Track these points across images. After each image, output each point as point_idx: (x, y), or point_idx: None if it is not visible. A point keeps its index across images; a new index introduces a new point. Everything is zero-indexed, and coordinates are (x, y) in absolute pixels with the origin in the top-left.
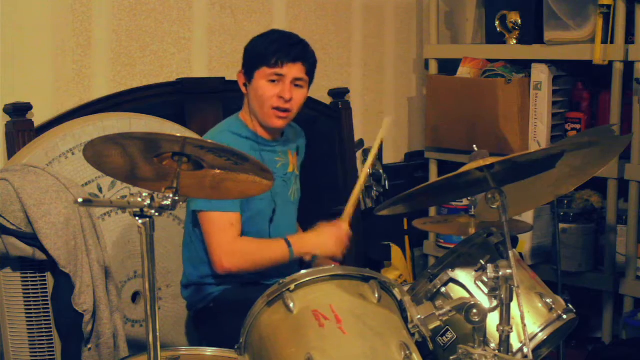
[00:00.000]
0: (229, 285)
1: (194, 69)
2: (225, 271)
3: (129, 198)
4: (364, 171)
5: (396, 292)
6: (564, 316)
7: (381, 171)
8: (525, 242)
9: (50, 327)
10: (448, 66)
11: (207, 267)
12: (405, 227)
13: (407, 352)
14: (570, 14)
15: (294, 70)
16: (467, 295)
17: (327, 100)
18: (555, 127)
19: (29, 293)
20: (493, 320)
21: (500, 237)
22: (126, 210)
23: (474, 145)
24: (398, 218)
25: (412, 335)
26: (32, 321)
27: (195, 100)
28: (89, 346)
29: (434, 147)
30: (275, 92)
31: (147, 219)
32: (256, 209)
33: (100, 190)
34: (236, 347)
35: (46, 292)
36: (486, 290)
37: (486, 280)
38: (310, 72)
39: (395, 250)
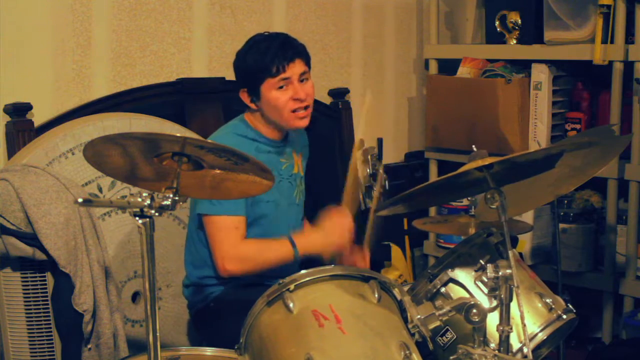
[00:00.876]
0: (229, 285)
1: (194, 69)
2: (229, 274)
3: (129, 198)
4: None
5: (396, 292)
6: (564, 316)
7: (381, 171)
8: (525, 242)
9: (50, 327)
10: (448, 66)
11: (209, 269)
12: (405, 227)
13: (407, 352)
14: (570, 14)
15: (296, 68)
16: (467, 295)
17: (327, 100)
18: (555, 127)
19: (29, 293)
20: (493, 320)
21: (500, 237)
22: (126, 210)
23: (473, 145)
24: (398, 218)
25: (412, 335)
26: (32, 321)
27: (195, 100)
28: (89, 346)
29: (434, 147)
30: (288, 96)
31: (147, 219)
32: (261, 212)
33: (100, 190)
34: (236, 347)
35: (46, 292)
36: (486, 290)
37: (486, 280)
38: (308, 62)
39: (395, 250)
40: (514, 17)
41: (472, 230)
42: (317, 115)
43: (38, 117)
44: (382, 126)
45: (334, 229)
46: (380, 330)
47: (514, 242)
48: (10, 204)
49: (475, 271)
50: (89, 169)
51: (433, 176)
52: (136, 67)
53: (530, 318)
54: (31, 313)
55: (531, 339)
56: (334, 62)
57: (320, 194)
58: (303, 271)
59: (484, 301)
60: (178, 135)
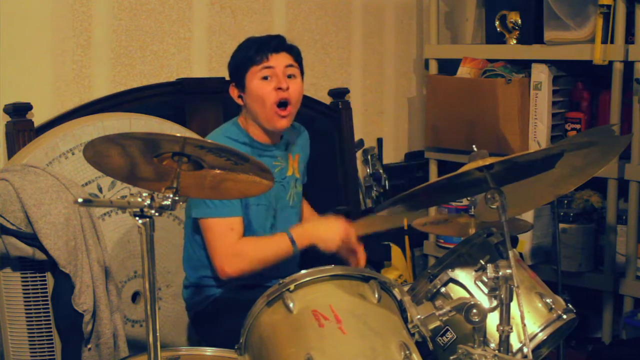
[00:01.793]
0: (227, 287)
1: (194, 69)
2: (228, 276)
3: (129, 198)
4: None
5: (396, 292)
6: (564, 316)
7: (381, 171)
8: (525, 242)
9: (50, 327)
10: (448, 66)
11: (206, 269)
12: (405, 227)
13: (407, 352)
14: (570, 14)
15: (281, 59)
16: (467, 295)
17: (327, 100)
18: (555, 127)
19: (29, 293)
20: (493, 320)
21: (500, 237)
22: (126, 210)
23: (473, 145)
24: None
25: (412, 335)
26: (32, 321)
27: (195, 100)
28: (89, 346)
29: (434, 147)
30: (271, 87)
31: (147, 219)
32: (251, 216)
33: (100, 190)
34: (236, 347)
35: (46, 292)
36: (486, 290)
37: (486, 280)
38: (298, 60)
39: (395, 250)
40: (514, 17)
41: (472, 230)
42: (317, 115)
43: (38, 117)
44: (382, 126)
45: (334, 227)
46: (380, 330)
47: (514, 242)
48: (10, 204)
49: (476, 271)
50: (89, 169)
51: (433, 176)
52: (136, 67)
53: (530, 318)
54: (31, 313)
55: (531, 339)
56: (334, 62)
57: (320, 194)
58: (303, 271)
59: (484, 301)
60: (178, 135)
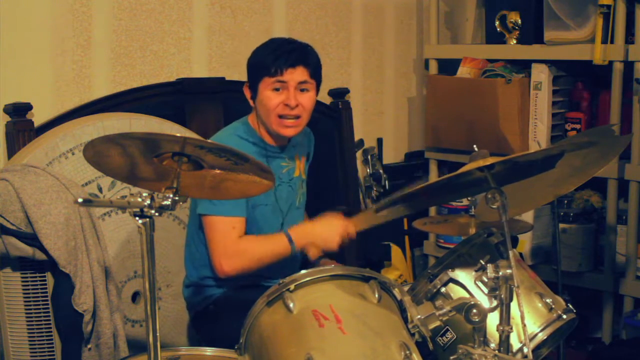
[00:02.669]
0: (228, 287)
1: (194, 69)
2: (226, 275)
3: (129, 198)
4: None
5: (396, 292)
6: (564, 316)
7: (381, 171)
8: (525, 242)
9: (50, 327)
10: (448, 66)
11: (208, 269)
12: (405, 227)
13: (407, 352)
14: (570, 14)
15: (296, 75)
16: (467, 295)
17: (327, 100)
18: (555, 127)
19: (29, 293)
20: (493, 320)
21: (500, 237)
22: (126, 210)
23: (474, 145)
24: (398, 218)
25: (412, 335)
26: (32, 321)
27: (195, 100)
28: (89, 346)
29: (434, 147)
30: (280, 100)
31: (147, 219)
32: (258, 216)
33: (100, 190)
34: (236, 347)
35: (46, 292)
36: (486, 290)
37: (486, 280)
38: (315, 75)
39: (395, 250)
40: (514, 17)
41: (472, 230)
42: (317, 115)
43: (38, 117)
44: (382, 126)
45: (333, 225)
46: (380, 330)
47: (514, 242)
48: (10, 204)
49: (476, 271)
50: (89, 169)
51: (433, 176)
52: (136, 67)
53: (531, 318)
54: (31, 313)
55: (531, 339)
56: (334, 62)
57: (320, 193)
58: (303, 271)
59: (484, 301)
60: (178, 135)
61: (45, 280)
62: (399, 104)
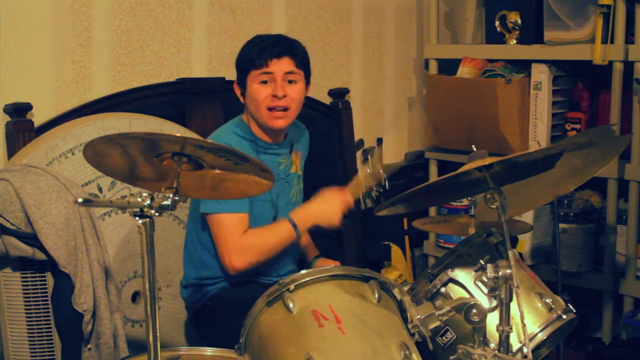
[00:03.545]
0: (226, 283)
1: (194, 69)
2: (237, 271)
3: (129, 198)
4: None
5: (396, 292)
6: (564, 316)
7: (381, 171)
8: (525, 242)
9: (50, 327)
10: (448, 66)
11: (207, 270)
12: (405, 227)
13: (407, 352)
14: (570, 14)
15: (282, 65)
16: (466, 295)
17: (327, 100)
18: (555, 127)
19: (29, 293)
20: (493, 320)
21: (499, 237)
22: (126, 210)
23: (473, 146)
24: (398, 218)
25: (412, 335)
26: (32, 321)
27: (195, 100)
28: (89, 346)
29: (434, 147)
30: (267, 92)
31: (147, 219)
32: (258, 211)
33: (100, 190)
34: (236, 347)
35: (46, 292)
36: (486, 290)
37: (486, 280)
38: (302, 65)
39: (395, 250)
40: (514, 17)
41: (472, 230)
42: (317, 115)
43: (38, 117)
44: (382, 126)
45: (330, 198)
46: (380, 330)
47: (514, 242)
48: (10, 204)
49: (475, 271)
50: (89, 169)
51: (433, 176)
52: (136, 67)
53: (530, 318)
54: (31, 313)
55: (531, 339)
56: (334, 62)
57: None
58: (303, 271)
59: (484, 301)
60: (178, 135)
61: (45, 280)
62: (399, 104)
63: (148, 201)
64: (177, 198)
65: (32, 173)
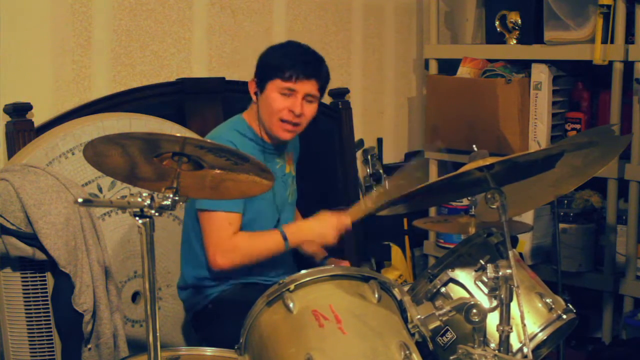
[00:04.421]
0: (227, 285)
1: (194, 69)
2: (219, 268)
3: (129, 198)
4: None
5: (396, 292)
6: (564, 316)
7: (381, 171)
8: (525, 242)
9: (50, 327)
10: (448, 66)
11: (206, 269)
12: (405, 227)
13: (407, 352)
14: (570, 14)
15: (307, 86)
16: (467, 295)
17: (327, 100)
18: (555, 127)
19: (29, 293)
20: (493, 320)
21: (500, 237)
22: (126, 210)
23: (474, 145)
24: (398, 218)
25: (412, 335)
26: (32, 321)
27: (195, 100)
28: (89, 346)
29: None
30: (286, 105)
31: (147, 219)
32: (256, 210)
33: (100, 190)
34: (236, 347)
35: (46, 292)
36: (486, 290)
37: (486, 280)
38: (322, 89)
39: (395, 250)
40: (514, 17)
41: (472, 230)
42: (317, 115)
43: (38, 117)
44: (382, 126)
45: (326, 221)
46: (380, 330)
47: (514, 242)
48: (10, 204)
49: (475, 271)
50: (89, 169)
51: (433, 176)
52: (136, 67)
53: (530, 318)
54: (31, 313)
55: (531, 339)
56: (334, 62)
57: (320, 193)
58: (303, 271)
59: (484, 301)
60: (178, 135)
61: (45, 280)
62: (399, 104)
63: (148, 201)
64: (177, 198)
65: (32, 173)
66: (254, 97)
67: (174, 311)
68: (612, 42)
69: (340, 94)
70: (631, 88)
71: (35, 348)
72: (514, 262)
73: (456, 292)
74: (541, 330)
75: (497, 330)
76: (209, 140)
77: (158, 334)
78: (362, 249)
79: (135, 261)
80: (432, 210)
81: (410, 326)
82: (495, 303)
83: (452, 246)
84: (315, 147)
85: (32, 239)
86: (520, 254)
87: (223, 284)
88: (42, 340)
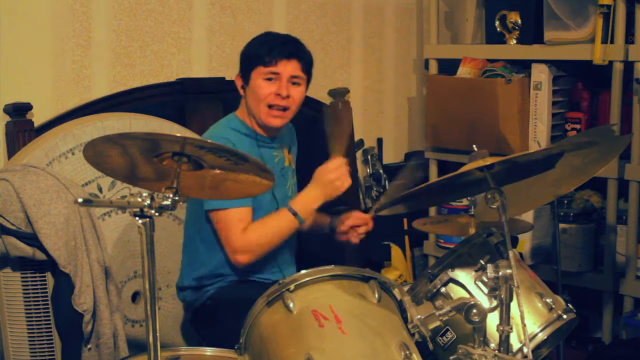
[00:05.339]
0: (225, 282)
1: (194, 69)
2: (242, 264)
3: (129, 198)
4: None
5: (396, 292)
6: (564, 316)
7: (381, 171)
8: (525, 242)
9: (50, 327)
10: (448, 66)
11: (205, 269)
12: (405, 227)
13: (407, 352)
14: (570, 14)
15: (289, 67)
16: (467, 295)
17: (327, 100)
18: (555, 127)
19: (29, 293)
20: (493, 320)
21: (500, 237)
22: (126, 210)
23: (474, 145)
24: (398, 218)
25: (412, 335)
26: (32, 321)
27: (195, 100)
28: (89, 346)
29: (434, 147)
30: (271, 90)
31: (147, 219)
32: (258, 202)
33: (100, 190)
34: (236, 347)
35: (46, 292)
36: (486, 290)
37: (486, 280)
38: (307, 70)
39: (395, 250)
40: (514, 17)
41: (472, 230)
42: (318, 115)
43: (38, 117)
44: (382, 126)
45: (330, 176)
46: (380, 330)
47: (514, 242)
48: (10, 204)
49: (476, 271)
50: (89, 169)
51: (433, 176)
52: (136, 67)
53: (531, 318)
54: (31, 313)
55: (531, 339)
56: (334, 62)
57: None
58: (303, 271)
59: (484, 301)
60: (178, 135)
61: (45, 280)
62: (399, 104)
63: (148, 201)
64: (177, 198)
65: (32, 173)
66: (241, 92)
67: (174, 311)
68: (612, 42)
69: (340, 94)
70: (631, 88)
71: (35, 348)
72: (514, 262)
73: (456, 292)
74: (541, 330)
75: (497, 330)
76: (209, 141)
77: (158, 334)
78: (362, 249)
79: (135, 261)
80: (432, 210)
81: (410, 326)
82: (495, 303)
83: (452, 246)
84: (315, 147)
85: (32, 239)
86: (520, 254)
87: (221, 280)
88: (42, 340)
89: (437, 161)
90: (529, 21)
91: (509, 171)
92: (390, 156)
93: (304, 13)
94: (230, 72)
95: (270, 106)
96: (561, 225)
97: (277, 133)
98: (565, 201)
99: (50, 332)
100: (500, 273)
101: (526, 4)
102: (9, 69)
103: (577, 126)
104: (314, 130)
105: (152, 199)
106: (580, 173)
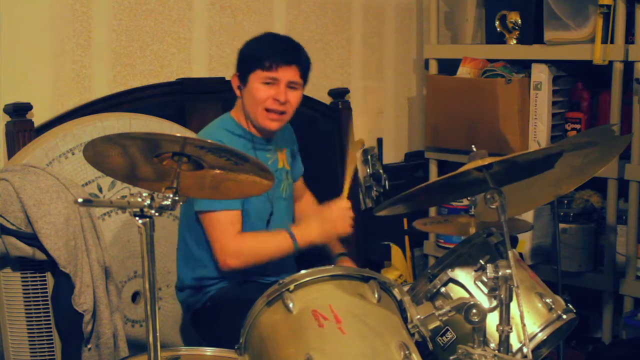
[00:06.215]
0: (225, 283)
1: (194, 69)
2: (230, 269)
3: (129, 198)
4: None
5: (396, 292)
6: (564, 316)
7: (381, 171)
8: (525, 242)
9: (50, 327)
10: (448, 66)
11: (203, 269)
12: (405, 227)
13: (407, 352)
14: (570, 14)
15: (288, 73)
16: (466, 295)
17: (327, 100)
18: (555, 127)
19: (29, 293)
20: (493, 320)
21: (499, 237)
22: (126, 210)
23: (473, 146)
24: (398, 218)
25: (412, 335)
26: (32, 321)
27: (195, 100)
28: (89, 346)
29: (434, 147)
30: (270, 94)
31: (147, 219)
32: (251, 205)
33: (100, 190)
34: (236, 347)
35: (46, 292)
36: (486, 290)
37: (486, 280)
38: (304, 75)
39: (395, 250)
40: (514, 17)
41: (472, 230)
42: (317, 115)
43: (38, 117)
44: (382, 126)
45: (333, 216)
46: (380, 330)
47: (514, 242)
48: (10, 204)
49: (475, 271)
50: (89, 169)
51: (433, 176)
52: (136, 67)
53: (530, 318)
54: (31, 313)
55: (531, 339)
56: (334, 62)
57: (320, 193)
58: (303, 271)
59: (484, 301)
60: (178, 135)
61: (45, 280)
62: (399, 104)
63: (148, 201)
64: (177, 198)
65: (32, 173)
66: (237, 92)
67: (174, 311)
68: (612, 42)
69: (340, 94)
70: (631, 88)
71: (35, 348)
72: (514, 262)
73: (456, 292)
74: (541, 330)
75: (497, 330)
76: (209, 141)
77: (158, 334)
78: (362, 249)
79: (135, 261)
80: (432, 210)
81: (410, 326)
82: (495, 303)
83: (452, 246)
84: (315, 147)
85: (32, 239)
86: (520, 254)
87: (221, 282)
88: (42, 340)
89: (437, 161)
90: (529, 21)
91: (508, 171)
92: (390, 156)
93: (304, 13)
94: (230, 72)
95: (267, 110)
96: (561, 225)
97: (272, 135)
98: (565, 201)
99: (50, 332)
100: (500, 273)
101: (526, 4)
102: (9, 69)
103: (577, 126)
104: (314, 130)
105: (152, 199)
106: (580, 173)
